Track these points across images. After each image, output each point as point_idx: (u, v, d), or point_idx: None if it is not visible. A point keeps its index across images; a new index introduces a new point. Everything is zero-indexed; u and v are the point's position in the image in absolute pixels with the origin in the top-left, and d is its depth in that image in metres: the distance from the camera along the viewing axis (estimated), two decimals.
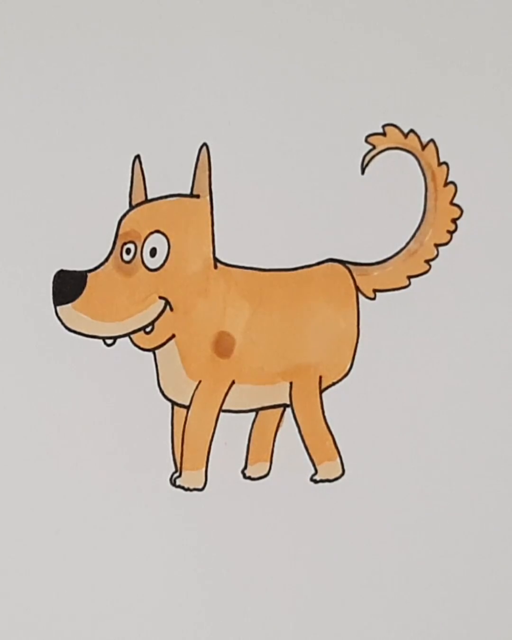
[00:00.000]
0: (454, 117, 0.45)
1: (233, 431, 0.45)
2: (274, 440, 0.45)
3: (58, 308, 0.44)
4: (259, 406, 0.45)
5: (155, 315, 0.45)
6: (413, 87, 0.45)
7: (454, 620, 0.45)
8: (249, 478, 0.45)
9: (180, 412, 0.45)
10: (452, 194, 0.45)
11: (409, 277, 0.45)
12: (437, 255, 0.45)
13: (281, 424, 0.45)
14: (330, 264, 0.45)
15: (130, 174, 0.45)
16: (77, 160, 0.45)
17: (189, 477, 0.45)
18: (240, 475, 0.45)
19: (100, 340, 0.45)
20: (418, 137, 0.45)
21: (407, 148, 0.45)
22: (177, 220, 0.45)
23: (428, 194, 0.45)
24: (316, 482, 0.45)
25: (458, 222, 0.45)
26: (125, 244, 0.45)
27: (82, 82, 0.45)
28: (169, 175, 0.45)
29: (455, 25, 0.45)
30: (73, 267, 0.45)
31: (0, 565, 0.46)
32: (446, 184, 0.45)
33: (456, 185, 0.45)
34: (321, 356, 0.45)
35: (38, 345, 0.45)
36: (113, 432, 0.45)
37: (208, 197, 0.45)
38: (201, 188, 0.45)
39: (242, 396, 0.45)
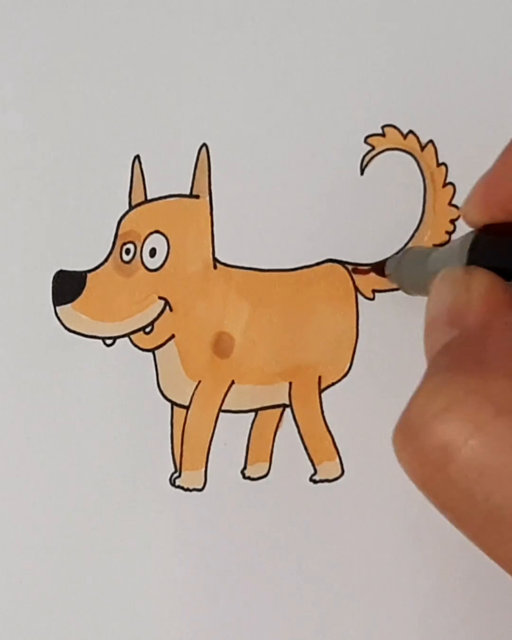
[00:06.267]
0: (454, 118, 0.45)
1: (233, 431, 0.45)
2: (274, 441, 0.45)
3: (58, 308, 0.45)
4: (259, 406, 0.45)
5: (155, 316, 0.45)
6: (413, 88, 0.45)
7: (455, 620, 0.45)
8: (249, 478, 0.45)
9: (180, 412, 0.45)
10: (451, 195, 0.45)
11: None
12: None
13: (280, 424, 0.45)
14: (329, 264, 0.45)
15: (130, 174, 0.45)
16: (77, 160, 0.45)
17: (189, 477, 0.45)
18: (240, 476, 0.45)
19: (100, 340, 0.45)
20: (417, 138, 0.45)
21: (407, 149, 0.45)
22: (177, 221, 0.45)
23: (427, 194, 0.45)
24: (315, 482, 0.45)
25: (456, 223, 0.45)
26: (124, 244, 0.45)
27: (82, 82, 0.45)
28: (169, 175, 0.45)
29: (455, 26, 0.45)
30: (73, 267, 0.45)
31: None
32: (445, 185, 0.45)
33: (454, 186, 0.45)
34: (320, 356, 0.45)
35: (38, 345, 0.45)
36: (113, 432, 0.45)
37: (208, 198, 0.45)
38: (201, 188, 0.45)
39: (242, 396, 0.45)
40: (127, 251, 0.45)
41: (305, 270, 0.45)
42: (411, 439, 0.28)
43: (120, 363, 0.45)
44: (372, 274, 0.45)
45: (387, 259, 0.45)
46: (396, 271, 0.43)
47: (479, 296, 0.31)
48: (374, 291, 0.45)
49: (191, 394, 0.45)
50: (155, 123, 0.45)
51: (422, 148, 0.45)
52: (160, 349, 0.45)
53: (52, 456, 0.45)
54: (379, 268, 0.44)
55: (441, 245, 0.45)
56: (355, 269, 0.45)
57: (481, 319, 0.31)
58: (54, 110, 0.45)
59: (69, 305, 0.44)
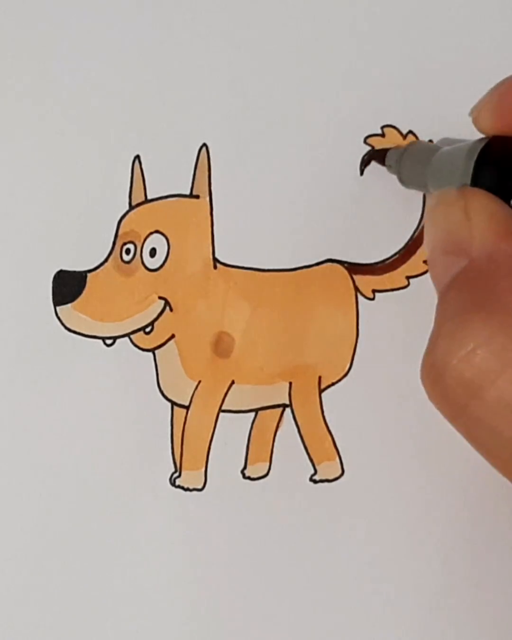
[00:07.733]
0: (454, 118, 0.45)
1: (233, 431, 0.45)
2: (274, 441, 0.45)
3: (58, 308, 0.45)
4: (259, 406, 0.45)
5: (155, 316, 0.45)
6: (413, 88, 0.45)
7: (456, 620, 0.45)
8: (249, 478, 0.45)
9: (180, 412, 0.45)
10: None
11: (408, 278, 0.45)
12: None
13: (280, 424, 0.45)
14: (329, 264, 0.45)
15: (130, 174, 0.45)
16: (77, 160, 0.45)
17: (189, 477, 0.45)
18: (240, 475, 0.45)
19: (100, 340, 0.45)
20: (417, 138, 0.45)
21: None
22: (177, 221, 0.45)
23: (427, 194, 0.45)
24: (315, 482, 0.45)
25: None
26: (125, 244, 0.45)
27: (82, 81, 0.45)
28: (169, 175, 0.45)
29: (455, 25, 0.45)
30: (73, 267, 0.45)
31: None
32: None
33: None
34: (320, 356, 0.45)
35: (38, 345, 0.45)
36: (113, 432, 0.45)
37: (208, 198, 0.45)
38: (201, 188, 0.45)
39: (242, 396, 0.45)
40: (127, 251, 0.45)
41: (305, 270, 0.45)
42: (438, 380, 0.30)
43: (120, 363, 0.45)
44: (377, 275, 0.45)
45: (389, 149, 0.43)
46: (397, 164, 0.42)
47: (480, 223, 0.31)
48: (374, 291, 0.45)
49: (191, 394, 0.45)
50: (155, 123, 0.45)
51: None
52: (160, 349, 0.45)
53: (51, 456, 0.45)
54: (379, 156, 0.43)
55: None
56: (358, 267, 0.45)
57: (486, 249, 0.30)
58: (54, 110, 0.45)
59: (69, 305, 0.44)
